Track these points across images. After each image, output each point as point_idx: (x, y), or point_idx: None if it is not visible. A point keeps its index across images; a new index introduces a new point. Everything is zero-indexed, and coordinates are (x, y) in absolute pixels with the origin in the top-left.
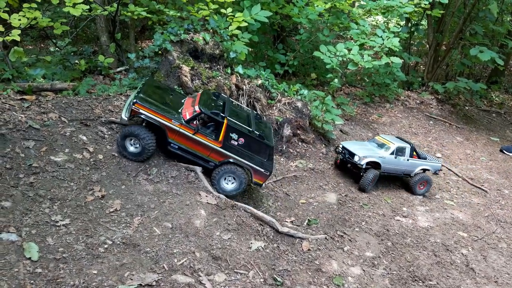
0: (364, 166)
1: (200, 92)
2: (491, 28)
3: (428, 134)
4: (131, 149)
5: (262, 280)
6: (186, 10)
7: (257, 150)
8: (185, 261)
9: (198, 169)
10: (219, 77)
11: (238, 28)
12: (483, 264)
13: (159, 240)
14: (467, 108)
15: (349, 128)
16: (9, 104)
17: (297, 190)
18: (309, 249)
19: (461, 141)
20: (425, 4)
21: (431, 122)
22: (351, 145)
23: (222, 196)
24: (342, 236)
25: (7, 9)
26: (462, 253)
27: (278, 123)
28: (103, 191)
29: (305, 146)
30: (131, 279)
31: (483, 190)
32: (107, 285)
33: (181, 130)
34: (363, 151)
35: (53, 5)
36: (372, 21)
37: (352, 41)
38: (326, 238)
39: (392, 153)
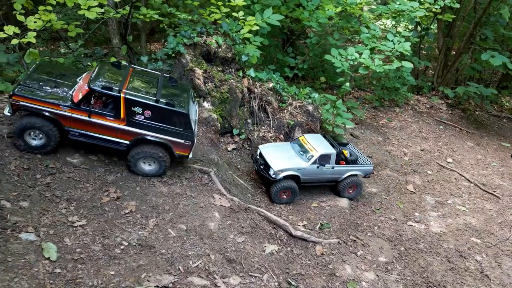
0: (278, 179)
1: (96, 65)
2: (501, 32)
3: (438, 139)
4: (35, 142)
5: (276, 283)
6: (197, 13)
7: (170, 121)
8: (200, 263)
9: (212, 172)
10: (231, 80)
11: (250, 31)
12: (498, 271)
13: (174, 242)
14: (477, 113)
15: (359, 132)
16: None
17: (309, 194)
18: (322, 253)
19: (472, 146)
20: (436, 9)
21: (441, 127)
22: (269, 152)
23: (235, 198)
24: (355, 240)
25: (23, 11)
26: (476, 260)
27: (290, 126)
28: (118, 192)
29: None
30: (148, 281)
31: (496, 196)
32: (125, 286)
33: (73, 115)
34: (280, 163)
35: (66, 8)
36: (380, 25)
37: (361, 44)
38: (339, 242)
39: (314, 163)
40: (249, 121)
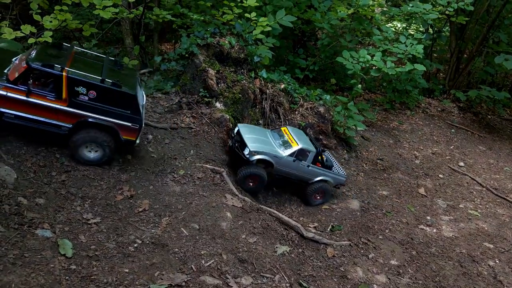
0: (253, 162)
1: (35, 46)
2: None
3: (450, 142)
4: None
5: (288, 284)
6: (209, 14)
7: (116, 102)
8: (212, 262)
9: (224, 172)
10: (244, 81)
11: (262, 32)
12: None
13: (187, 241)
14: (489, 117)
15: (370, 134)
16: None
17: None
18: (334, 256)
19: (483, 150)
20: (450, 11)
21: (452, 130)
22: (247, 132)
23: (247, 199)
24: (366, 243)
25: (39, 11)
26: (489, 265)
27: (301, 127)
28: (132, 191)
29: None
30: (161, 279)
31: (508, 201)
32: (139, 283)
33: (8, 94)
34: (257, 144)
35: (80, 8)
36: (391, 26)
37: (371, 46)
38: (350, 244)
39: (291, 155)
40: (260, 122)
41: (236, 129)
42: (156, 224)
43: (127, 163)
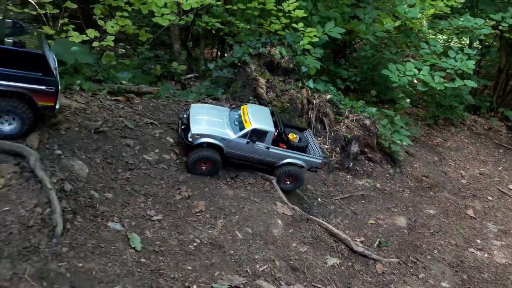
0: (195, 143)
1: None
2: None
3: (498, 163)
4: None
5: None
6: (255, 23)
7: (23, 65)
8: (266, 268)
9: (274, 180)
10: (292, 91)
11: (309, 43)
12: None
13: (241, 244)
14: None
15: (414, 150)
16: (107, 104)
17: (365, 210)
18: (383, 272)
19: None
20: (503, 27)
21: (500, 150)
22: (198, 113)
23: (296, 208)
24: (415, 262)
25: (102, 16)
26: None
27: (346, 139)
28: (189, 191)
29: (372, 165)
30: (221, 279)
31: None
32: (202, 281)
33: None
34: (202, 127)
35: (134, 13)
36: (435, 39)
37: (414, 59)
38: (399, 262)
39: (243, 137)
40: None
41: (189, 110)
42: (212, 226)
43: (184, 165)
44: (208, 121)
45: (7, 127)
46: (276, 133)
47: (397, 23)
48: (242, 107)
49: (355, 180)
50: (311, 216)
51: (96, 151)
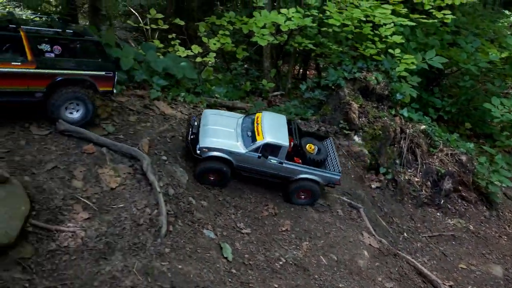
0: (203, 157)
1: None
2: None
3: None
4: None
5: None
6: (347, 45)
7: (85, 53)
8: None
9: (362, 209)
10: (385, 118)
11: (406, 70)
12: None
13: (326, 270)
14: None
15: None
16: None
17: (455, 252)
18: None
19: None
20: None
21: None
22: (209, 121)
23: (384, 241)
24: None
25: (205, 33)
26: None
27: (439, 174)
28: (276, 209)
29: (465, 204)
30: None
31: None
32: None
33: None
34: (211, 139)
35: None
36: None
37: None
38: None
39: (255, 151)
40: (397, 161)
41: (201, 116)
42: (297, 247)
43: (271, 182)
44: (218, 132)
45: (76, 115)
46: (291, 146)
47: (504, 54)
48: (256, 114)
49: (446, 219)
50: (398, 252)
51: (189, 160)
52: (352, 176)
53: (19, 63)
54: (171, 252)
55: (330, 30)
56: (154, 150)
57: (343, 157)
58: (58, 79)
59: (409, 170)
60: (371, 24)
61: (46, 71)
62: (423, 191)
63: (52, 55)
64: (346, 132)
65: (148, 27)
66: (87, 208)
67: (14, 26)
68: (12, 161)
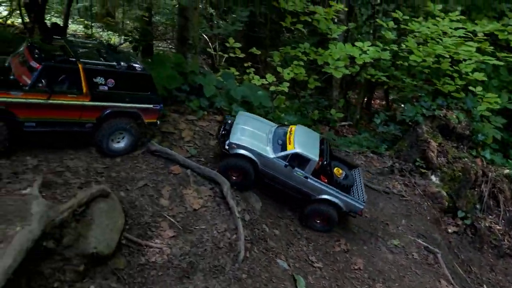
0: (231, 153)
1: (24, 45)
2: None
3: None
4: None
5: None
6: (421, 78)
7: (135, 86)
8: None
9: (439, 254)
10: (465, 159)
11: (488, 109)
12: None
13: None
14: None
15: None
16: None
17: None
18: None
19: None
20: None
21: None
22: (243, 122)
23: None
24: None
25: (279, 63)
26: None
27: None
28: (348, 245)
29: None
30: None
31: None
32: None
33: (29, 100)
34: (242, 137)
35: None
36: None
37: None
38: None
39: (283, 158)
40: (477, 206)
41: (235, 116)
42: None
43: (344, 216)
44: (250, 133)
45: (121, 144)
46: (319, 163)
47: None
48: (290, 126)
49: None
50: None
51: (267, 187)
52: (428, 218)
53: (75, 96)
54: (248, 278)
55: (406, 63)
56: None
57: (419, 196)
58: (108, 111)
59: (490, 217)
60: (449, 59)
61: (99, 103)
62: (506, 240)
63: (106, 88)
64: (423, 171)
65: (225, 55)
66: (172, 226)
67: (72, 59)
68: (110, 177)
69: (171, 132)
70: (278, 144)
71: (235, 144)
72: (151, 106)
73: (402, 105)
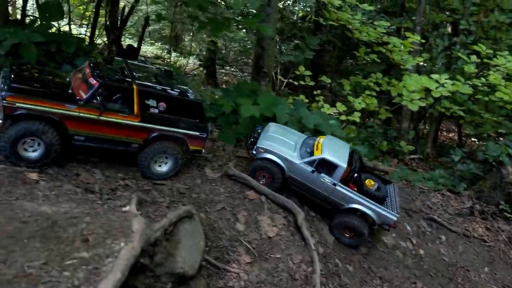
0: (257, 157)
1: (86, 63)
2: None
3: None
4: (30, 154)
5: None
6: (500, 114)
7: (185, 112)
8: None
9: None
10: None
11: None
12: None
13: None
14: None
15: None
16: None
17: None
18: None
19: None
20: None
21: None
22: (273, 131)
23: None
24: None
25: (350, 92)
26: None
27: None
28: None
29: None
30: None
31: None
32: None
33: (82, 114)
34: (269, 142)
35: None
36: None
37: None
38: None
39: (309, 164)
40: None
41: (266, 126)
42: None
43: (419, 258)
44: (278, 140)
45: (164, 168)
46: (348, 172)
47: None
48: (319, 136)
49: None
50: None
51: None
52: None
53: (126, 115)
54: None
55: (486, 98)
56: (303, 204)
57: (503, 243)
58: (156, 134)
59: None
60: None
61: (149, 125)
62: None
63: (156, 111)
64: (508, 215)
65: (285, 80)
66: (248, 252)
67: (129, 80)
68: (191, 197)
69: (245, 157)
70: (306, 152)
71: (262, 148)
72: (198, 133)
73: (477, 141)
